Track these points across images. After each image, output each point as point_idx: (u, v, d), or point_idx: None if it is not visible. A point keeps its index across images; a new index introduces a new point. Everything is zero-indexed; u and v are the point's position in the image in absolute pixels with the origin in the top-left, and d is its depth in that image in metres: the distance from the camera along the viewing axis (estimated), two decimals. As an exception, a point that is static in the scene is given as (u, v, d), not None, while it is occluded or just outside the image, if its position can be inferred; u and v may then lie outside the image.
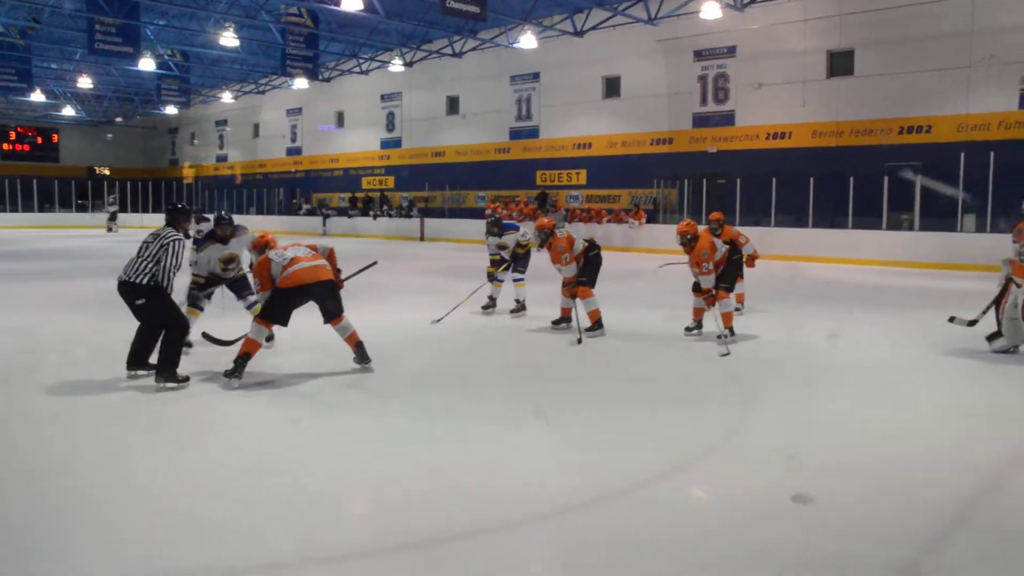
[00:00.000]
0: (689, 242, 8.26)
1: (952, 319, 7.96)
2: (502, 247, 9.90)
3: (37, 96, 33.82)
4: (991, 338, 7.46)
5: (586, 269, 8.55)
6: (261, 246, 7.18)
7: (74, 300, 11.07)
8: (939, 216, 17.95)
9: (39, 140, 46.74)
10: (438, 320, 9.11)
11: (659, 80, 23.47)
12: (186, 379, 5.93)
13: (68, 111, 40.72)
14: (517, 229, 10.00)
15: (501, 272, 9.83)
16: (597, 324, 8.36)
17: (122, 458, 4.46)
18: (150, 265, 5.87)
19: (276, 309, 6.26)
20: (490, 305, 9.89)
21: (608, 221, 23.26)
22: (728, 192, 20.79)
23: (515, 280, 9.82)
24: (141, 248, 5.99)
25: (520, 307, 9.81)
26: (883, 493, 3.98)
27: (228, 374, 5.98)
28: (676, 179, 22.91)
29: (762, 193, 20.00)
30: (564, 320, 8.73)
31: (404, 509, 3.79)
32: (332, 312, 6.37)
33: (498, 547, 3.43)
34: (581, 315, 8.38)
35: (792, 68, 20.78)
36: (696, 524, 3.65)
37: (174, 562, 3.19)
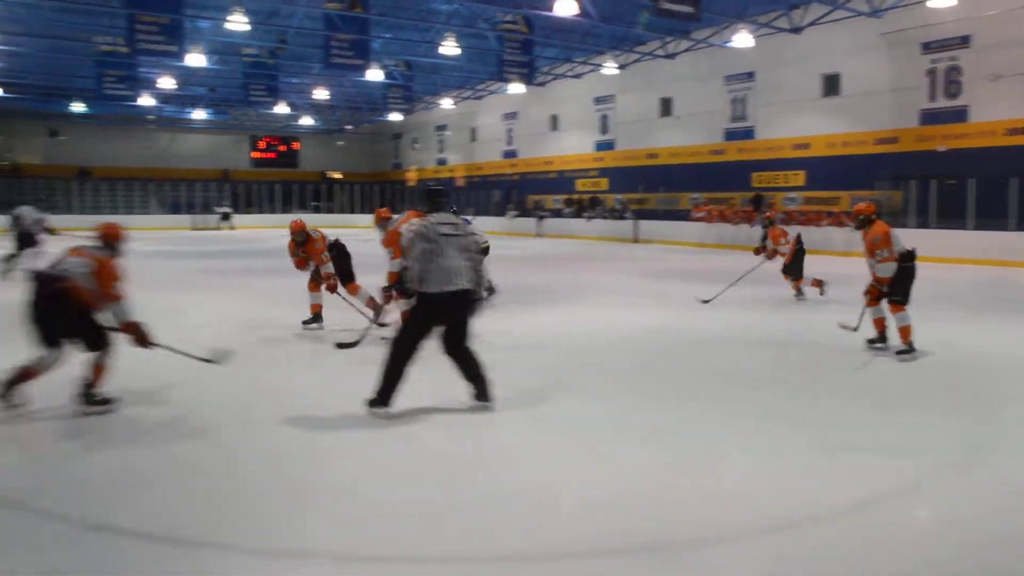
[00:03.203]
0: (862, 224, 7.81)
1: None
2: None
3: (281, 108, 37.20)
4: None
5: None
6: (385, 219, 8.35)
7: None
8: None
9: (282, 148, 51.36)
10: (707, 301, 9.35)
11: (882, 76, 22.35)
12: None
13: (306, 121, 44.43)
14: None
15: None
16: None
17: (362, 448, 4.94)
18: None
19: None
20: None
21: (827, 224, 22.45)
22: (959, 194, 19.52)
23: None
24: (457, 248, 5.49)
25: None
26: None
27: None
28: (900, 180, 21.73)
29: (999, 195, 18.62)
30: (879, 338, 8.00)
31: (624, 510, 3.94)
32: None
33: (720, 557, 3.52)
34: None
35: (1035, 58, 19.17)
36: (922, 545, 3.64)
37: (407, 550, 3.55)
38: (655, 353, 8.16)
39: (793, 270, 11.72)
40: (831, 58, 23.70)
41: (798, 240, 11.64)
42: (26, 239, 14.81)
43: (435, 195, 5.67)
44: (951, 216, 19.85)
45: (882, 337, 7.95)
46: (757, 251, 11.96)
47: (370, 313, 8.85)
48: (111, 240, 5.79)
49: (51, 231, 15.03)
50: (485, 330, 9.01)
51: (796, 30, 23.43)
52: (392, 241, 7.91)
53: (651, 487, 4.30)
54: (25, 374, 5.37)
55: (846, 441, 5.11)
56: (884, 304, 7.82)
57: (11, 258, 14.67)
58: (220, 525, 3.82)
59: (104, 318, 5.57)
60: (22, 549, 3.57)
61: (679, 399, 6.24)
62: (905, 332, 7.60)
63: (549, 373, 6.96)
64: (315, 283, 9.16)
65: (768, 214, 11.42)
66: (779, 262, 11.74)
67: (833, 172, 23.73)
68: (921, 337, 7.73)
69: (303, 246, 8.99)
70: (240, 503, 4.10)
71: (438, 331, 5.50)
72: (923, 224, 20.55)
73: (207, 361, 6.22)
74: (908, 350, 7.57)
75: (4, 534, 3.73)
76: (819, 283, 11.59)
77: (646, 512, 3.95)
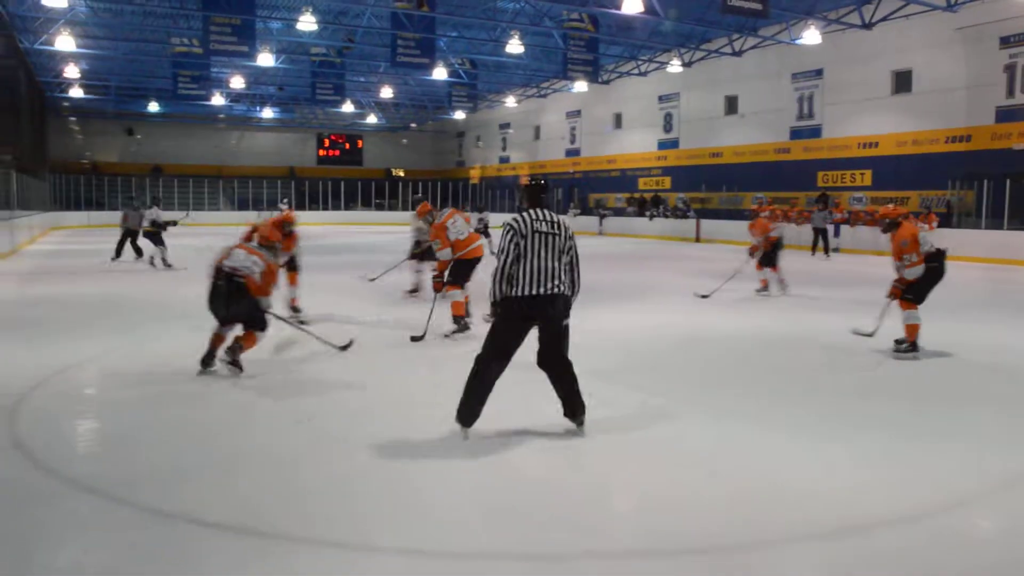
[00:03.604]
0: (888, 228, 7.70)
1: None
2: None
3: (347, 107, 37.78)
4: None
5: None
6: (428, 211, 9.15)
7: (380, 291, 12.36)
8: None
9: (347, 146, 52.24)
10: (705, 296, 9.45)
11: (956, 72, 21.80)
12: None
13: (371, 119, 45.05)
14: None
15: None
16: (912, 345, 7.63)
17: (421, 442, 4.95)
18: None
19: (462, 273, 8.50)
20: None
21: (895, 224, 21.96)
22: (1036, 194, 19.00)
23: None
24: (556, 248, 4.95)
25: None
26: None
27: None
28: (974, 179, 21.17)
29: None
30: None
31: (682, 511, 3.96)
32: None
33: (775, 561, 3.51)
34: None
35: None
36: (977, 559, 3.59)
37: (468, 543, 3.62)
38: (712, 354, 8.17)
39: (767, 260, 12.08)
40: (902, 54, 23.19)
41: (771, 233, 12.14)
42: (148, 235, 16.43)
43: (535, 189, 5.08)
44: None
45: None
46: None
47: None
48: (273, 243, 7.27)
49: (165, 225, 16.56)
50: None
51: (867, 26, 22.99)
52: (439, 233, 8.64)
53: (710, 486, 4.32)
54: (215, 341, 6.61)
55: (918, 446, 5.06)
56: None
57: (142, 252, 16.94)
58: (284, 516, 3.97)
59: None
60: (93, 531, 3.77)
61: (736, 401, 6.24)
62: (912, 330, 7.53)
63: (611, 373, 7.02)
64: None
65: (755, 207, 11.85)
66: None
67: (902, 171, 23.22)
68: (996, 340, 7.57)
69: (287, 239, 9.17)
70: (293, 494, 4.25)
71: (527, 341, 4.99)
72: (997, 225, 20.02)
73: (339, 348, 7.36)
74: (911, 348, 7.51)
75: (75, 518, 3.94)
76: (766, 283, 12.24)
77: (704, 512, 3.97)
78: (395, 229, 35.63)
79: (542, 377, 5.01)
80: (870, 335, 7.93)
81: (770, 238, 12.01)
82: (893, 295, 7.71)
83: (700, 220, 29.04)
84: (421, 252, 11.35)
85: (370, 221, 41.84)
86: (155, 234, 16.22)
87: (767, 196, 27.53)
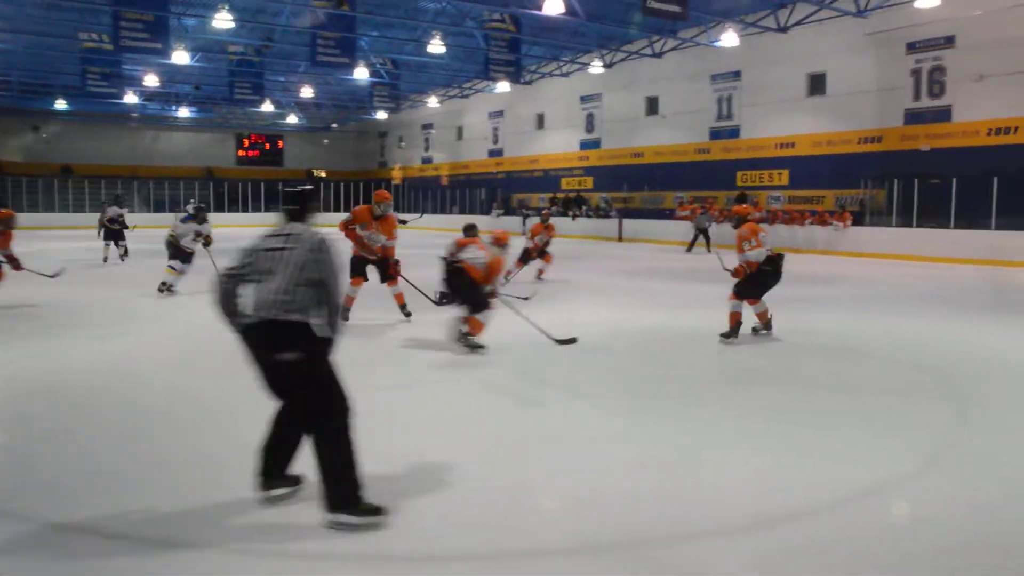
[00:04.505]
0: (737, 224, 8.68)
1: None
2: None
3: (267, 107, 37.04)
4: None
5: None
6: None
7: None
8: None
9: (267, 146, 51.17)
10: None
11: (868, 76, 22.48)
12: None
13: (291, 119, 44.28)
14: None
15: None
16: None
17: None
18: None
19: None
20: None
21: (811, 223, 22.56)
22: (943, 193, 19.68)
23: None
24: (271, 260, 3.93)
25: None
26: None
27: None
28: (885, 180, 21.86)
29: (982, 195, 18.76)
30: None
31: (603, 508, 3.97)
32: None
33: (701, 555, 3.53)
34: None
35: (1019, 58, 19.26)
36: (903, 544, 3.66)
37: (393, 549, 3.54)
38: (637, 351, 8.24)
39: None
40: (817, 58, 23.80)
41: None
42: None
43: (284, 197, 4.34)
44: (935, 215, 20.01)
45: (767, 325, 8.66)
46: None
47: None
48: (503, 243, 8.22)
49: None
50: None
51: (782, 29, 23.54)
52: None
53: (631, 485, 4.33)
54: (473, 326, 7.71)
55: (827, 438, 5.17)
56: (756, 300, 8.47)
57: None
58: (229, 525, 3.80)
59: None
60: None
61: (660, 397, 6.30)
62: (733, 318, 8.36)
63: (539, 371, 6.98)
64: None
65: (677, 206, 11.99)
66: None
67: (818, 171, 23.84)
68: (904, 334, 7.78)
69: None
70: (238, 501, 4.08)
71: None
72: (907, 223, 20.72)
73: (563, 342, 7.55)
74: (732, 334, 8.31)
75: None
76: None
77: (627, 510, 3.97)
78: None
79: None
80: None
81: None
82: (737, 273, 8.47)
83: (623, 220, 29.31)
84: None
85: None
86: (117, 231, 17.87)
87: (687, 196, 27.95)
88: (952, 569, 3.42)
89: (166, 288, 12.21)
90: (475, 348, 7.70)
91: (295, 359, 3.71)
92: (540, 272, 14.62)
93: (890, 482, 4.39)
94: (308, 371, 3.76)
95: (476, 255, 7.76)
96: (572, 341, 7.62)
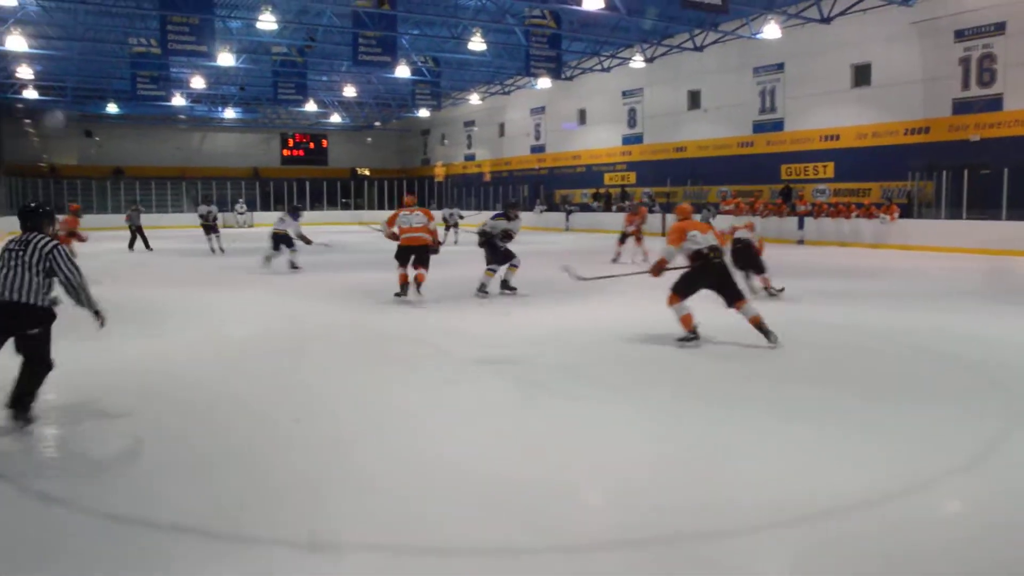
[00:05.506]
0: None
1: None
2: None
3: (310, 106, 37.47)
4: None
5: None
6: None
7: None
8: None
9: (311, 146, 51.72)
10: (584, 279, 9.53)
11: (914, 65, 22.09)
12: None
13: (335, 118, 44.75)
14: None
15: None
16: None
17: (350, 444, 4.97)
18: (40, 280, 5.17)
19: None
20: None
21: (857, 216, 22.25)
22: (993, 184, 19.28)
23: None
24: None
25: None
26: None
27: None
28: (933, 171, 21.47)
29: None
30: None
31: (637, 504, 3.96)
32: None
33: (735, 552, 3.49)
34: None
35: (1073, 43, 18.83)
36: (938, 541, 3.62)
37: (434, 538, 3.55)
38: (678, 347, 8.16)
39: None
40: (861, 48, 23.47)
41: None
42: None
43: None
44: (985, 207, 19.62)
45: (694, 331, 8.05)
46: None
47: None
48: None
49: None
50: (517, 324, 9.11)
51: (826, 20, 23.21)
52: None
53: (666, 480, 4.33)
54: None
55: (868, 434, 5.10)
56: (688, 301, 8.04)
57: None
58: (257, 518, 3.91)
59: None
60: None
61: (695, 392, 6.27)
62: (686, 321, 7.97)
63: (571, 367, 7.02)
64: None
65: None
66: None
67: (863, 163, 23.50)
68: (954, 328, 7.65)
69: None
70: (262, 495, 4.20)
71: None
72: (956, 215, 20.35)
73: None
74: (692, 337, 7.92)
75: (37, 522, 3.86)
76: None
77: (660, 506, 3.95)
78: (362, 229, 35.44)
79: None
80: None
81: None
82: (653, 272, 8.37)
83: (666, 215, 29.12)
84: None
85: (337, 221, 41.43)
86: (210, 226, 21.22)
87: (731, 189, 27.75)
88: (990, 569, 3.38)
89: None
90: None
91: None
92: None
93: (933, 481, 4.32)
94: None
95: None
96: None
